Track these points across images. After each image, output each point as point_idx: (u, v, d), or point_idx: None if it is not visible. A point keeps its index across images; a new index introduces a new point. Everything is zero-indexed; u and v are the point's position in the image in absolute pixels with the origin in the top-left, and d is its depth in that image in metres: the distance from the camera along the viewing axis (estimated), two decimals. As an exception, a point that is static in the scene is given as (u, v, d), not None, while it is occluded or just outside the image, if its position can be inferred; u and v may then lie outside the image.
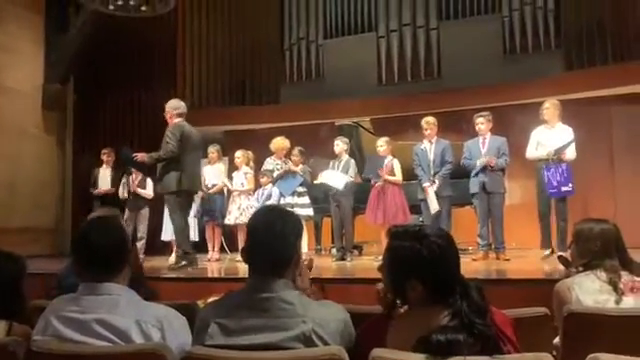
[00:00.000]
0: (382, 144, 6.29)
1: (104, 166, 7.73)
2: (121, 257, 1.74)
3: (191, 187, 5.53)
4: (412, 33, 9.36)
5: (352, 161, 6.42)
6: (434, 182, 5.87)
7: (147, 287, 2.46)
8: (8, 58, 8.34)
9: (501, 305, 1.62)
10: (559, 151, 5.38)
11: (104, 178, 7.73)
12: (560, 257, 4.29)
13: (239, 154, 7.07)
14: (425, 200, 5.93)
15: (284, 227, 1.64)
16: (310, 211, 6.66)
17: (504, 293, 3.86)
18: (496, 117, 5.99)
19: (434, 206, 5.80)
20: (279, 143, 6.91)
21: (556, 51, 8.56)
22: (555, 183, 5.29)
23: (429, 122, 6.09)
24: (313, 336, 1.48)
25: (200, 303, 2.65)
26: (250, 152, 7.26)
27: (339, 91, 9.25)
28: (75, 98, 9.63)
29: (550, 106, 5.63)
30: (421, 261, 1.51)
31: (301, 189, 6.67)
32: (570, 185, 5.27)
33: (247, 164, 7.10)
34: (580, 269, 2.43)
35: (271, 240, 1.61)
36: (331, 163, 6.51)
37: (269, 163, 6.93)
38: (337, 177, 6.26)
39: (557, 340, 2.16)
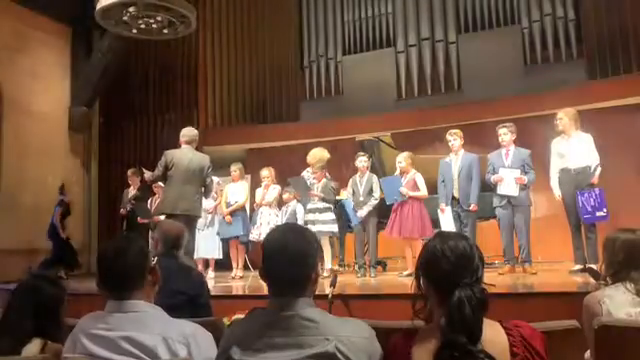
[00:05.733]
0: (401, 160, 6.21)
1: (131, 187, 7.82)
2: (138, 274, 1.76)
3: (169, 210, 5.45)
4: (431, 47, 9.38)
5: (375, 177, 6.30)
6: (470, 205, 5.76)
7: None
8: (35, 82, 8.58)
9: (528, 319, 1.59)
10: (588, 180, 5.32)
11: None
12: (590, 269, 4.21)
13: (266, 173, 6.95)
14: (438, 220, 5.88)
15: (300, 246, 1.58)
16: (334, 227, 6.38)
17: (531, 306, 3.81)
18: (519, 128, 5.91)
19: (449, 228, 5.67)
20: (317, 154, 6.70)
21: (578, 60, 8.48)
22: (589, 208, 5.20)
23: (452, 133, 6.01)
24: (337, 354, 1.45)
25: (225, 320, 2.67)
26: (271, 168, 7.17)
27: (359, 107, 9.29)
28: (101, 120, 9.85)
29: (563, 116, 5.52)
30: (432, 259, 1.52)
31: (324, 205, 6.38)
32: (604, 210, 5.16)
33: (273, 181, 7.03)
34: (609, 281, 2.38)
35: (288, 261, 1.55)
36: (351, 180, 6.42)
37: (306, 176, 6.74)
38: None
39: (587, 355, 2.11)
